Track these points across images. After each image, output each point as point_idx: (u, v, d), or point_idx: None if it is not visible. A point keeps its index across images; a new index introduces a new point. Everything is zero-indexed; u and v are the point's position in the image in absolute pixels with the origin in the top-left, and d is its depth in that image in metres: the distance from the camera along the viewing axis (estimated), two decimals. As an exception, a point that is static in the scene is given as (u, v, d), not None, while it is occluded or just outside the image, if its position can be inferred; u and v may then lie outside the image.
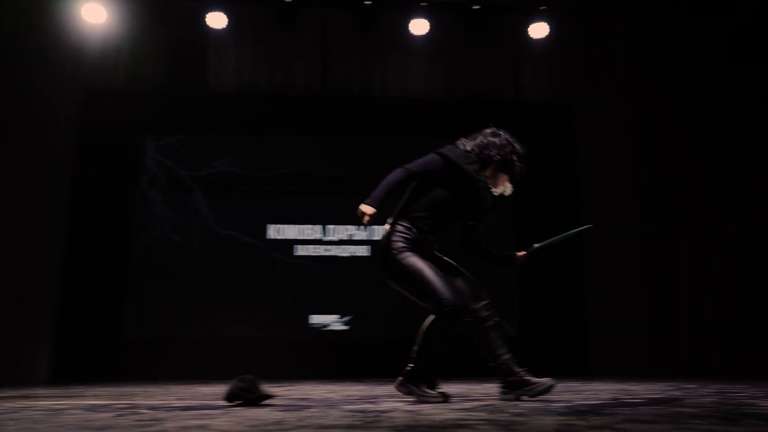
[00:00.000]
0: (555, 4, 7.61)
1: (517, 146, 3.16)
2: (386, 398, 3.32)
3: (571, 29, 7.86)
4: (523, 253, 3.29)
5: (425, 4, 7.48)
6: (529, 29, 7.64)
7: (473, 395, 3.46)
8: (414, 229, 3.04)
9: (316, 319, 7.26)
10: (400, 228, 3.05)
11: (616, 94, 7.79)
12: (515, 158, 3.14)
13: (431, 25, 7.52)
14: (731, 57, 7.39)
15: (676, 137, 7.53)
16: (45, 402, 3.26)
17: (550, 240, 3.25)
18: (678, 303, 7.20)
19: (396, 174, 3.04)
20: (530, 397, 2.95)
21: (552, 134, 7.82)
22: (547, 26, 7.60)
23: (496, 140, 3.14)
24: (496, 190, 3.15)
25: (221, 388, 3.72)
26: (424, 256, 3.03)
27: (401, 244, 3.00)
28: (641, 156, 7.61)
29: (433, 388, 3.00)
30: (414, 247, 3.02)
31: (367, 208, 2.94)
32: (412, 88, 7.83)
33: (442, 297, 2.85)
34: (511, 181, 3.18)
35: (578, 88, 7.94)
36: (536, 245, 3.25)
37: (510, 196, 3.21)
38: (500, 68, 7.94)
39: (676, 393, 3.43)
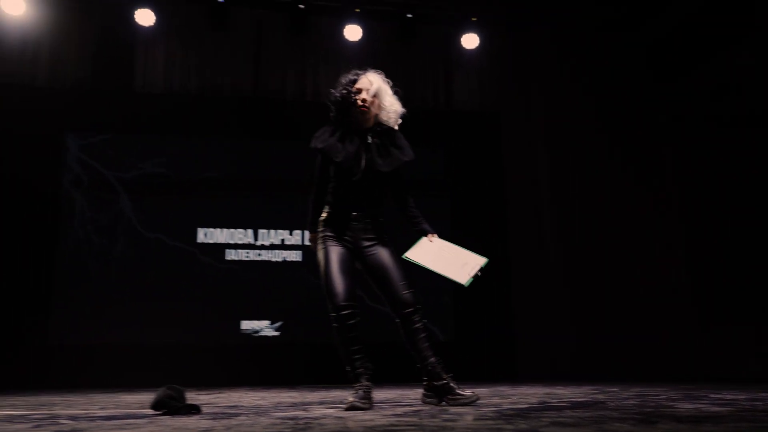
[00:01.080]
0: (486, 16, 7.80)
1: (343, 81, 3.27)
2: (317, 405, 3.30)
3: (501, 41, 8.04)
4: (434, 240, 3.15)
5: (359, 10, 7.51)
6: (460, 39, 7.80)
7: (404, 401, 3.49)
8: (328, 217, 3.11)
9: (247, 324, 7.15)
10: (321, 222, 3.15)
11: (544, 105, 8.04)
12: (344, 92, 3.22)
13: (364, 32, 7.55)
14: (649, 74, 7.82)
15: (598, 147, 7.88)
16: (-46, 415, 3.08)
17: (434, 269, 3.03)
18: (602, 307, 7.48)
19: (312, 193, 3.20)
20: (452, 406, 2.88)
21: (479, 142, 7.98)
22: (477, 38, 7.77)
23: (336, 93, 3.25)
24: (373, 114, 3.29)
25: (147, 397, 3.62)
26: (349, 246, 3.06)
27: (320, 238, 3.10)
28: (565, 163, 7.90)
29: (367, 393, 2.97)
30: (336, 235, 3.06)
31: (309, 237, 3.23)
32: (343, 93, 7.81)
33: (332, 298, 2.93)
34: (356, 107, 3.20)
35: (506, 97, 8.11)
36: (427, 267, 3.03)
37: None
38: (431, 77, 8.05)
39: (600, 396, 3.56)
